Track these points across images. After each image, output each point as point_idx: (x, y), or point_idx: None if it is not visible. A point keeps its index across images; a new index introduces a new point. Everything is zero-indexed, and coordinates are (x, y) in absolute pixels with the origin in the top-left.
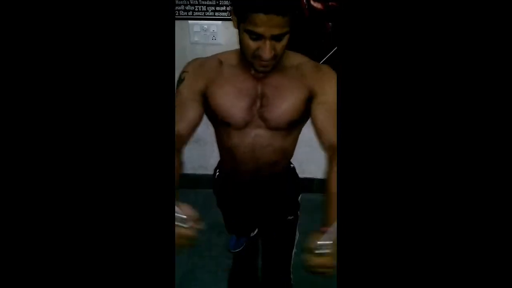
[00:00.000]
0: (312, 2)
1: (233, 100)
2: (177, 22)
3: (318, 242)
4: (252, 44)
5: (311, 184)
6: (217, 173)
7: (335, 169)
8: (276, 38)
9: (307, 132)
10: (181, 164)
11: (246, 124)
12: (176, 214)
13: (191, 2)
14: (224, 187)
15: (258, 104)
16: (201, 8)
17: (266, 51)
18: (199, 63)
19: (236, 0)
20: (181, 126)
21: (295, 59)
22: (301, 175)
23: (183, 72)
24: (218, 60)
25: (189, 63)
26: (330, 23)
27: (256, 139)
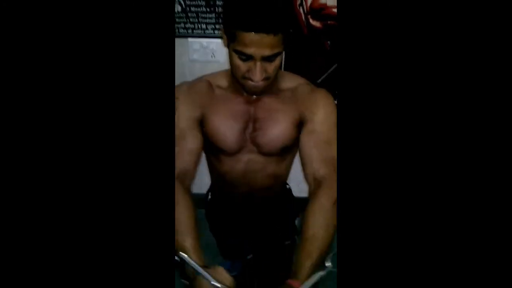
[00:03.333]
0: (311, 21)
1: (226, 126)
2: (176, 40)
3: None
4: (242, 65)
5: None
6: (209, 197)
7: (315, 207)
8: (268, 59)
9: None
10: (194, 206)
11: (238, 150)
12: (206, 279)
13: (191, 20)
14: (216, 211)
15: (250, 128)
16: (201, 26)
17: (257, 73)
18: (188, 88)
19: (224, 17)
20: (185, 161)
21: (292, 81)
22: (299, 195)
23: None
24: (207, 82)
25: (178, 88)
26: (328, 42)
27: (248, 164)
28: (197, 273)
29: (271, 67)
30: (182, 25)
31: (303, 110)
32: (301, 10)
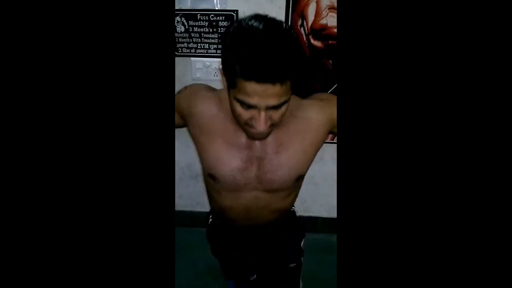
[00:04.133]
0: (312, 41)
1: (228, 157)
2: (179, 59)
3: None
4: (244, 114)
5: (315, 224)
6: (210, 220)
7: None
8: (273, 107)
9: (310, 169)
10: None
11: (239, 187)
12: None
13: (194, 40)
14: (218, 234)
15: (255, 164)
16: (204, 46)
17: (261, 123)
18: (204, 89)
19: (223, 60)
20: None
21: (307, 107)
22: (304, 214)
23: (184, 87)
24: (219, 98)
25: (194, 86)
26: (330, 61)
27: (252, 201)
28: None
29: (277, 114)
30: (185, 44)
31: (332, 120)
32: (302, 30)
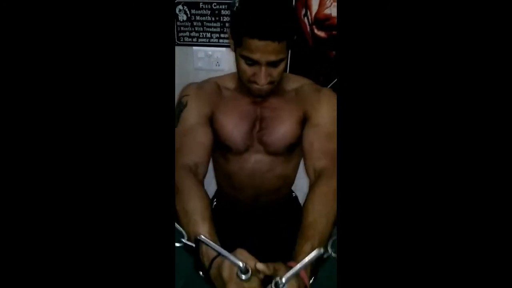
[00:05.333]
0: (315, 31)
1: (234, 125)
2: (181, 48)
3: (276, 279)
4: (247, 70)
5: None
6: (215, 203)
7: (315, 195)
8: (272, 64)
9: None
10: (208, 197)
11: (246, 149)
12: (232, 262)
13: (196, 29)
14: (222, 218)
15: (257, 127)
16: (206, 35)
17: (262, 77)
18: (198, 87)
19: (232, 24)
20: (196, 153)
21: (296, 82)
22: None
23: (183, 96)
24: (215, 84)
25: (187, 87)
26: (333, 52)
27: (255, 164)
28: (215, 259)
29: (276, 71)
30: (187, 33)
31: (307, 107)
32: (306, 20)
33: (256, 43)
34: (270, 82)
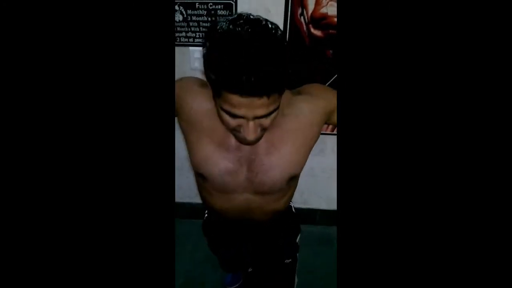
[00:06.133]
0: (312, 30)
1: (214, 162)
2: (178, 48)
3: None
4: (231, 122)
5: (314, 216)
6: (206, 215)
7: None
8: (263, 117)
9: (309, 161)
10: None
11: (230, 190)
12: None
13: (192, 29)
14: (213, 230)
15: (245, 166)
16: (202, 35)
17: (250, 132)
18: (193, 82)
19: (206, 66)
20: None
21: (291, 102)
22: (303, 206)
23: (179, 79)
24: (211, 94)
25: (187, 78)
26: (330, 51)
27: (245, 202)
28: None
29: (267, 121)
30: (184, 34)
31: (319, 118)
32: (302, 19)
33: (238, 99)
34: (261, 130)
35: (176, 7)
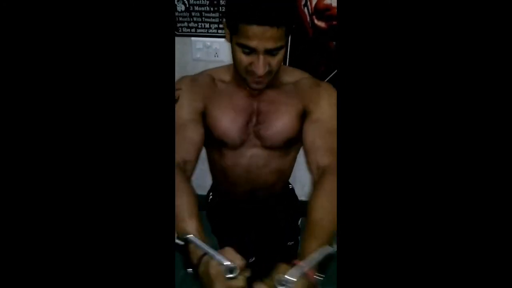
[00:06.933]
0: (315, 21)
1: (229, 119)
2: (180, 39)
3: (283, 277)
4: (244, 59)
5: None
6: (211, 197)
7: (320, 192)
8: (271, 52)
9: None
10: (196, 194)
11: (242, 143)
12: (219, 261)
13: (194, 20)
14: (218, 211)
15: (254, 121)
16: (204, 26)
17: (260, 66)
18: (191, 80)
19: (227, 11)
20: (186, 150)
21: (294, 75)
22: (303, 198)
23: (176, 90)
24: (210, 76)
25: (180, 81)
26: (334, 42)
27: (252, 159)
28: (204, 256)
29: (274, 61)
30: (186, 24)
31: (307, 101)
32: (305, 10)
33: (253, 29)
34: (268, 72)
35: None
